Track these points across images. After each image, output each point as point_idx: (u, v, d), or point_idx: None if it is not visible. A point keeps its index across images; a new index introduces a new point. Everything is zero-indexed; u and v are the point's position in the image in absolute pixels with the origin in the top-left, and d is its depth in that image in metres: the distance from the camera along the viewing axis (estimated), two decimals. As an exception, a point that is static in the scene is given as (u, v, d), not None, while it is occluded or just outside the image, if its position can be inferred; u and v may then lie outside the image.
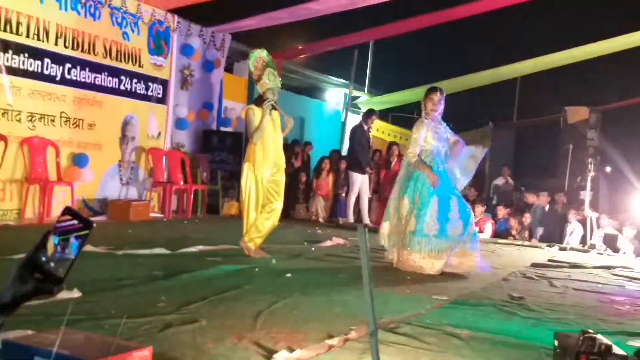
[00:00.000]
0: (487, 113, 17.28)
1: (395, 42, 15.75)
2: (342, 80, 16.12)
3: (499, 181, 14.07)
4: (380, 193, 11.42)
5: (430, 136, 6.28)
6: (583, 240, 10.35)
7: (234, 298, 4.20)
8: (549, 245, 10.12)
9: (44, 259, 1.42)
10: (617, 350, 3.00)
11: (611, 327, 4.15)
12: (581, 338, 3.07)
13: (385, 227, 6.40)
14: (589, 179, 10.89)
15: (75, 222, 1.45)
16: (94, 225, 1.49)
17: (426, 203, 6.10)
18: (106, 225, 8.09)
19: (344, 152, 13.17)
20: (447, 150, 6.44)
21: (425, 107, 6.39)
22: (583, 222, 10.45)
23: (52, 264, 1.43)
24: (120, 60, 9.34)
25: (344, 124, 15.67)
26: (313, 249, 7.38)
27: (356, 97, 16.41)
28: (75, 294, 3.74)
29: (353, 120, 14.47)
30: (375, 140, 15.32)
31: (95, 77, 8.91)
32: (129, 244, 6.17)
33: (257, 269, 5.50)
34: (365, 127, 11.03)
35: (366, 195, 10.90)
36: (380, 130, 16.11)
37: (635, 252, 9.28)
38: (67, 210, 1.48)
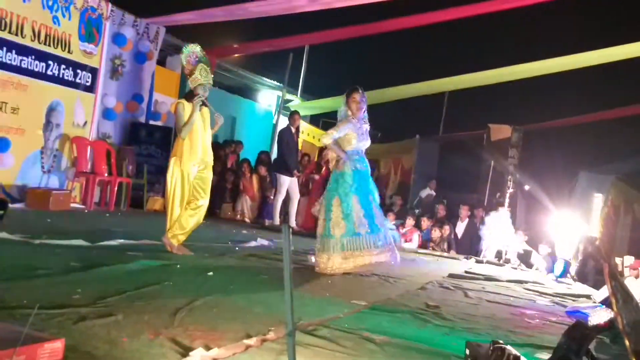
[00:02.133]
0: (415, 125, 17.62)
1: (330, 48, 15.89)
2: (275, 82, 16.13)
3: (424, 192, 14.40)
4: (307, 196, 11.48)
5: (354, 137, 6.39)
6: (498, 255, 10.70)
7: (152, 294, 4.15)
8: (466, 258, 10.41)
9: None
10: (523, 360, 3.13)
11: (521, 339, 4.32)
12: (491, 348, 3.18)
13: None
14: (507, 195, 11.27)
15: None
16: (9, 204, 1.46)
17: (349, 203, 6.22)
18: (24, 213, 7.82)
19: (274, 153, 13.17)
20: (368, 148, 6.63)
21: (350, 108, 6.46)
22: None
23: None
24: (49, 45, 9.06)
25: (275, 126, 15.66)
26: (237, 248, 7.36)
27: (289, 101, 16.45)
28: (-13, 281, 3.62)
29: (285, 123, 14.50)
30: (306, 144, 15.41)
31: (21, 60, 8.62)
32: (47, 233, 5.98)
33: (178, 266, 5.44)
34: (293, 130, 11.07)
35: (296, 197, 10.93)
36: (310, 135, 16.20)
37: (547, 269, 9.66)
38: None
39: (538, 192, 11.88)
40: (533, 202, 12.69)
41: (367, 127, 6.54)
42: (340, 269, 6.20)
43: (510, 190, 11.38)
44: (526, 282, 8.10)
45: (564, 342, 3.23)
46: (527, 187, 13.08)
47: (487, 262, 10.21)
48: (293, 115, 11.33)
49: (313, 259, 6.48)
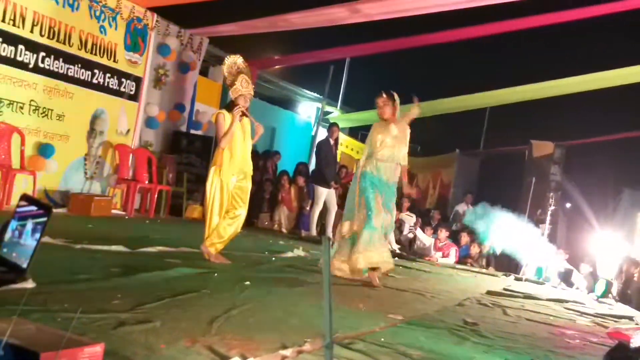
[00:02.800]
0: (455, 139, 17.49)
1: (371, 61, 15.91)
2: (315, 94, 16.19)
3: (461, 207, 14.26)
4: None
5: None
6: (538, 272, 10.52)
7: (190, 301, 4.17)
8: (505, 275, 10.26)
9: (5, 249, 1.42)
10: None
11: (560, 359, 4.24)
12: (530, 367, 3.13)
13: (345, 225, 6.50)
14: (548, 212, 11.09)
15: (33, 207, 1.46)
16: (53, 210, 1.49)
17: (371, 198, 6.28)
18: (66, 218, 7.97)
19: (312, 165, 13.21)
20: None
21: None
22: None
23: (14, 254, 1.43)
24: (95, 54, 9.25)
25: (314, 137, 15.72)
26: (274, 259, 7.37)
27: (328, 112, 16.49)
28: (30, 284, 3.66)
29: (324, 134, 14.54)
30: (344, 156, 15.41)
31: (68, 68, 8.81)
32: (88, 238, 6.07)
33: (216, 274, 5.47)
34: (332, 141, 11.08)
35: (333, 209, 10.93)
36: (349, 147, 16.20)
37: (588, 288, 9.46)
38: (24, 197, 1.48)
39: (580, 210, 11.67)
40: (575, 220, 12.48)
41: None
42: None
43: (552, 207, 11.20)
44: (566, 301, 7.96)
45: (606, 364, 3.17)
46: (568, 205, 12.86)
47: (527, 279, 10.04)
48: (332, 127, 11.35)
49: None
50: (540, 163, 13.44)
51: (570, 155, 13.67)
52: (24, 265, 1.41)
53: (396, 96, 6.55)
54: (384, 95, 6.51)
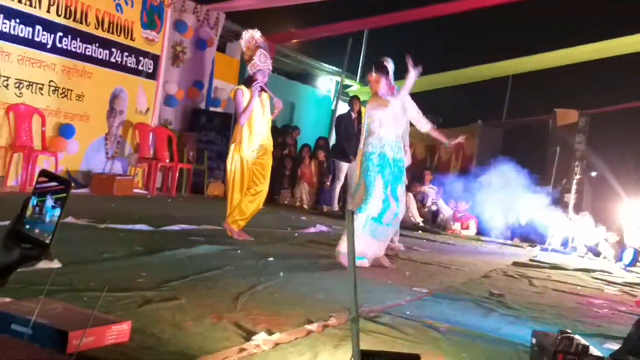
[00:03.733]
0: (477, 110, 17.30)
1: (390, 32, 15.70)
2: (334, 68, 16.05)
3: (484, 179, 14.11)
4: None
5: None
6: (564, 242, 10.41)
7: (214, 278, 4.17)
8: (531, 245, 10.17)
9: (27, 226, 1.40)
10: (594, 351, 3.01)
11: (589, 329, 4.18)
12: (559, 337, 3.08)
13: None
14: (574, 182, 10.94)
15: (53, 183, 1.43)
16: (72, 184, 1.46)
17: (371, 182, 5.62)
18: (89, 198, 8.02)
19: (332, 139, 13.14)
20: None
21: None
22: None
23: (36, 231, 1.40)
24: (112, 32, 9.23)
25: (334, 112, 15.63)
26: (297, 234, 7.37)
27: (348, 86, 16.35)
28: (55, 264, 3.70)
29: (343, 108, 14.44)
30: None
31: (86, 48, 8.80)
32: (111, 218, 6.11)
33: (239, 251, 5.47)
34: (354, 115, 10.97)
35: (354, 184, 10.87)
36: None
37: (616, 257, 9.35)
38: (43, 173, 1.45)
39: (606, 179, 11.50)
40: (600, 189, 12.31)
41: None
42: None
43: (577, 176, 11.04)
44: (594, 270, 7.86)
45: (635, 333, 3.11)
46: (593, 174, 12.70)
47: (553, 250, 9.95)
48: (353, 99, 11.26)
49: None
50: (565, 132, 13.26)
51: (595, 123, 13.46)
52: (47, 241, 1.38)
53: (389, 65, 5.79)
54: (374, 73, 5.74)
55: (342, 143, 10.81)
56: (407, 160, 6.41)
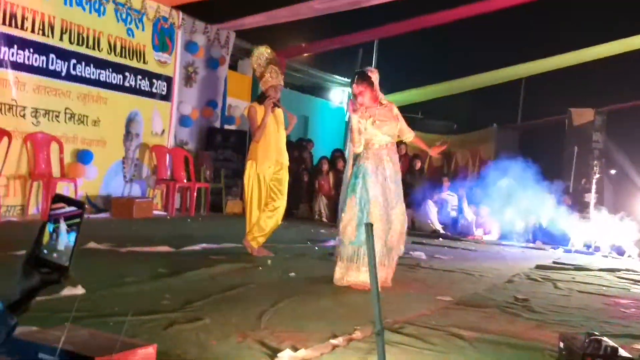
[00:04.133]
0: (492, 114, 17.21)
1: (400, 41, 15.68)
2: (346, 79, 16.07)
3: (502, 182, 14.02)
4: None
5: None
6: (587, 243, 10.30)
7: (237, 297, 4.19)
8: (553, 247, 10.08)
9: (45, 251, 1.42)
10: (623, 352, 2.98)
11: (617, 330, 4.14)
12: (587, 340, 3.05)
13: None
14: (593, 181, 10.84)
15: (68, 208, 1.45)
16: (85, 205, 1.48)
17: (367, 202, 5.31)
18: (109, 222, 8.07)
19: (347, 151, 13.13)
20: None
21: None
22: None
23: (54, 255, 1.42)
24: (125, 57, 9.33)
25: (347, 123, 15.64)
26: (317, 248, 7.36)
27: (360, 97, 16.35)
28: (79, 290, 3.73)
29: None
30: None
31: (99, 73, 8.89)
32: (133, 241, 6.14)
33: (260, 268, 5.48)
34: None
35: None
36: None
37: (640, 255, 9.24)
38: (57, 198, 1.47)
39: (626, 176, 11.37)
40: (621, 186, 12.19)
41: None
42: None
43: (597, 175, 10.94)
44: (619, 270, 7.77)
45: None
46: (613, 172, 12.58)
47: (576, 251, 9.85)
48: None
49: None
50: (582, 131, 13.17)
51: (612, 120, 13.34)
52: (66, 264, 1.40)
53: (373, 75, 5.46)
54: (358, 84, 5.35)
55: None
56: (435, 150, 6.20)
